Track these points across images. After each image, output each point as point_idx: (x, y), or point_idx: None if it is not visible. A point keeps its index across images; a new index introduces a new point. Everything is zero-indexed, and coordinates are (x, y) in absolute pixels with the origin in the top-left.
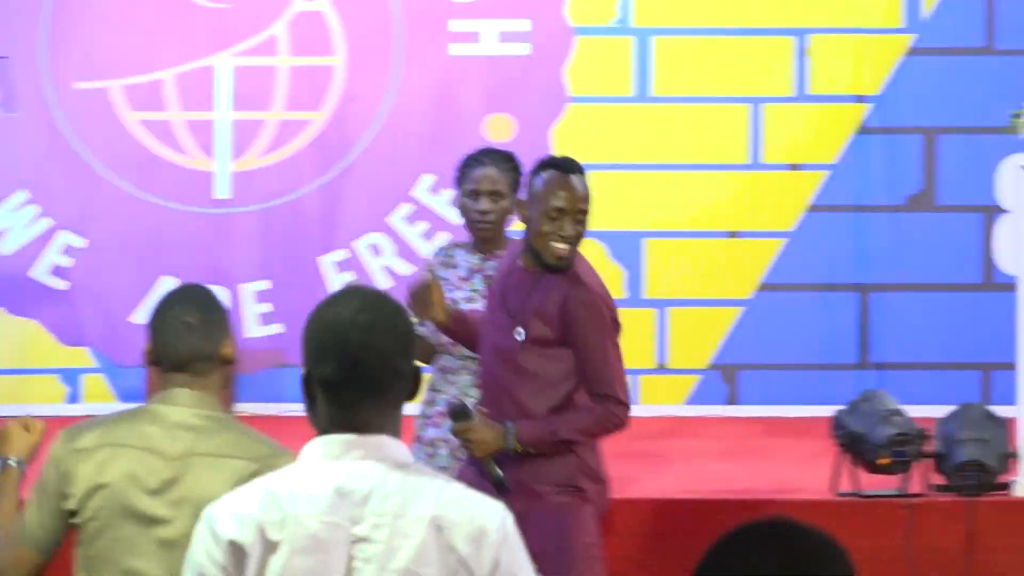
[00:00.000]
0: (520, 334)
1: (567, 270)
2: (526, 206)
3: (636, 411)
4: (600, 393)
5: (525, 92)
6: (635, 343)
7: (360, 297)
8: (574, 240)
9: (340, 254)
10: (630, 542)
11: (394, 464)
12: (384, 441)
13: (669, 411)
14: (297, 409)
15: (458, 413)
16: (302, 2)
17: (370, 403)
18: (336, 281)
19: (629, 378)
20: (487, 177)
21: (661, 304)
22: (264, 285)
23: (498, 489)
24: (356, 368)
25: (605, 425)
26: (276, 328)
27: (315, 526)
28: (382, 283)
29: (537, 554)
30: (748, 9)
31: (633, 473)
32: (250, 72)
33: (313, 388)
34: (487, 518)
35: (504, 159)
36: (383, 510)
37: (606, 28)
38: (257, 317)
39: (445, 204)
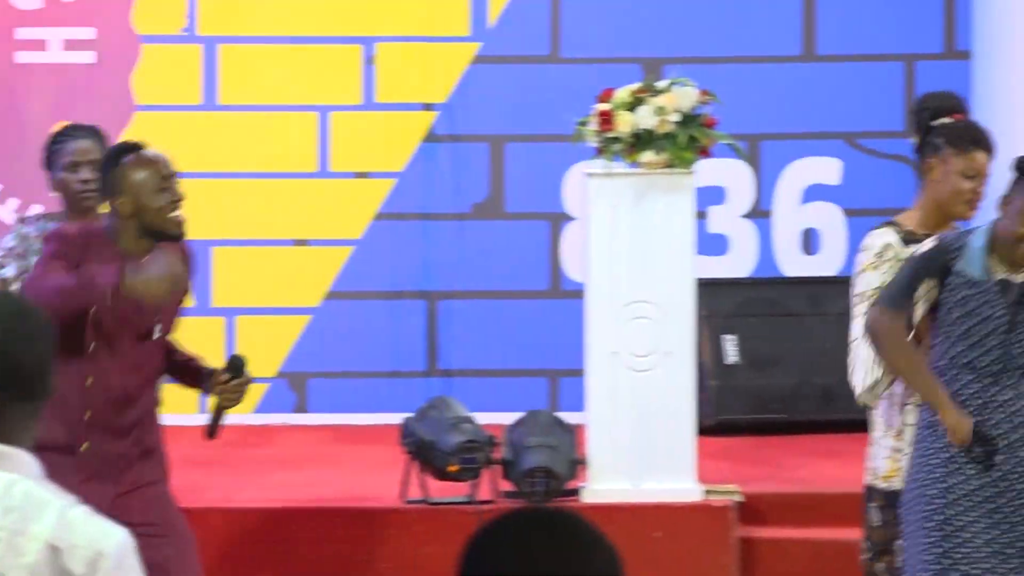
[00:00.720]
0: (160, 330)
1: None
2: (124, 202)
3: (204, 420)
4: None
5: (92, 100)
6: (203, 351)
7: (8, 301)
8: (181, 203)
9: None
10: (201, 552)
11: (22, 478)
12: (15, 453)
13: (238, 419)
14: None
15: (240, 365)
16: None
17: (20, 408)
18: None
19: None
20: (83, 148)
21: (229, 313)
22: None
23: (210, 436)
24: (14, 370)
25: None
26: None
27: None
28: None
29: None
30: (314, 17)
31: (202, 482)
32: None
33: None
34: (105, 543)
35: (93, 131)
36: (1, 524)
37: (173, 36)
38: None
39: (12, 214)
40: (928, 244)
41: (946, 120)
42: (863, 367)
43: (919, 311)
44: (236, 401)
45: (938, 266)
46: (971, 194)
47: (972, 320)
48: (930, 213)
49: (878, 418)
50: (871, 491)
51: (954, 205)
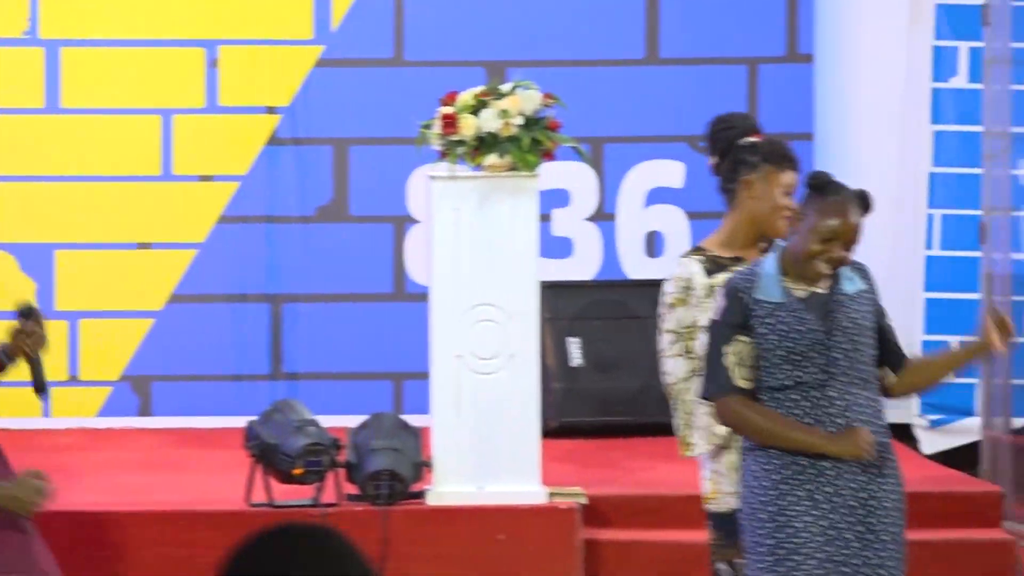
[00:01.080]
0: None
1: None
2: None
3: (48, 424)
4: None
5: None
6: (47, 356)
7: None
8: None
9: None
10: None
11: None
12: None
13: (82, 423)
14: None
15: (31, 308)
16: None
17: None
18: None
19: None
20: None
21: (73, 316)
22: None
23: (40, 391)
24: None
25: None
26: None
27: None
28: None
29: None
30: (157, 20)
31: None
32: None
33: None
34: None
35: None
36: None
37: (15, 39)
38: None
39: None
40: (716, 302)
41: (753, 139)
42: (701, 425)
43: (743, 375)
44: (43, 342)
45: (737, 319)
46: (788, 211)
47: (790, 340)
48: (741, 232)
49: (697, 441)
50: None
51: (773, 222)
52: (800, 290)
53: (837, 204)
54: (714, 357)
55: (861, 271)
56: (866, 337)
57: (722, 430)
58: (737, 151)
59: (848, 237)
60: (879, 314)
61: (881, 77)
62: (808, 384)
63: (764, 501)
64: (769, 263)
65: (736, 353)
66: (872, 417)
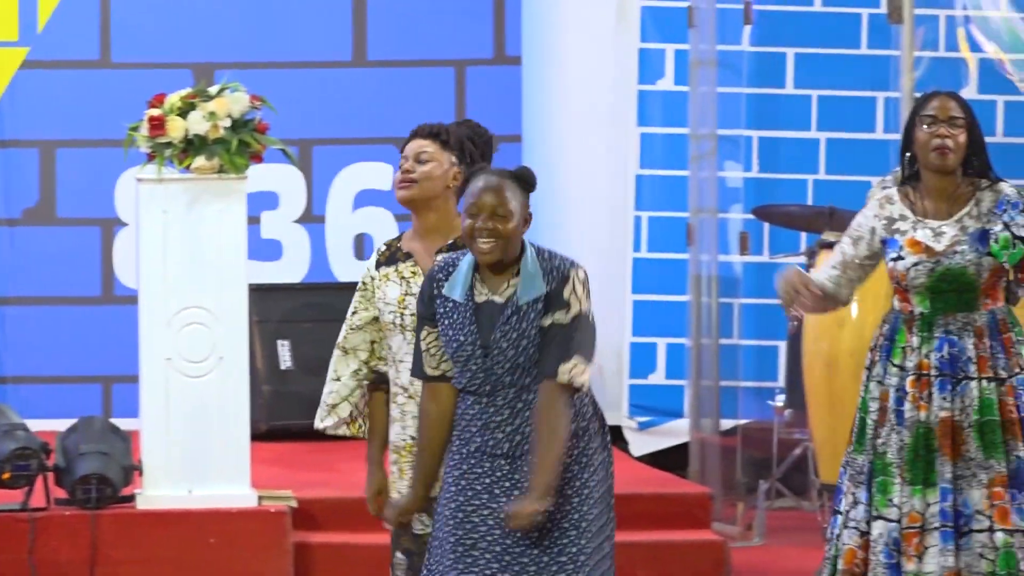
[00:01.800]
0: None
1: None
2: None
3: None
4: None
5: None
6: None
7: None
8: None
9: None
10: None
11: None
12: None
13: None
14: None
15: None
16: None
17: None
18: None
19: None
20: None
21: None
22: None
23: None
24: None
25: None
26: None
27: None
28: None
29: None
30: None
31: None
32: None
33: None
34: None
35: None
36: None
37: None
38: None
39: None
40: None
41: None
42: (323, 406)
43: (430, 363)
44: None
45: (425, 308)
46: (401, 173)
47: (453, 344)
48: (415, 226)
49: (320, 412)
50: None
51: (397, 191)
52: (481, 294)
53: (483, 179)
54: (416, 341)
55: (552, 272)
56: (535, 346)
57: (331, 401)
58: None
59: (491, 211)
60: (549, 315)
61: (588, 79)
62: (473, 391)
63: (448, 497)
64: (468, 259)
65: (425, 339)
66: None
